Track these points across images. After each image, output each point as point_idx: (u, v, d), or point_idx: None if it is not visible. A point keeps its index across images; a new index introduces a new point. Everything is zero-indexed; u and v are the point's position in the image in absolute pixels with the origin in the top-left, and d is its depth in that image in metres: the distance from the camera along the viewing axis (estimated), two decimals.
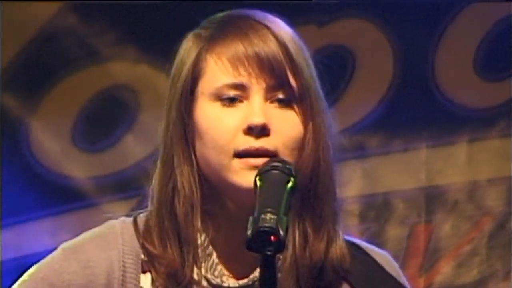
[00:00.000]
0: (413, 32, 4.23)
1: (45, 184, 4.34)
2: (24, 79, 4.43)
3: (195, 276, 1.75)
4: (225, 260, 1.76)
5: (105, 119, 4.30)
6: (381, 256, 1.80)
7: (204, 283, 1.74)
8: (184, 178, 1.78)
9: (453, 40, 4.26)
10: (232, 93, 1.68)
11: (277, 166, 1.56)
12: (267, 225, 1.42)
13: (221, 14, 1.78)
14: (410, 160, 4.24)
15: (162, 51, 2.27)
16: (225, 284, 1.74)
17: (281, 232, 1.44)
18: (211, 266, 1.78)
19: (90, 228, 1.78)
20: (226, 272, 1.73)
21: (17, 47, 4.33)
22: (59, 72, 4.30)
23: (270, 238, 1.43)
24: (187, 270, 1.76)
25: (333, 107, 1.75)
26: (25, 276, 1.76)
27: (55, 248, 1.76)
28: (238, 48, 1.74)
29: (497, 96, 4.14)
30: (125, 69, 4.28)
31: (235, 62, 1.74)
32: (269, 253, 1.44)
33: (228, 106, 1.69)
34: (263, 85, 1.67)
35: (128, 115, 4.07)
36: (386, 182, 4.25)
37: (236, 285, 1.72)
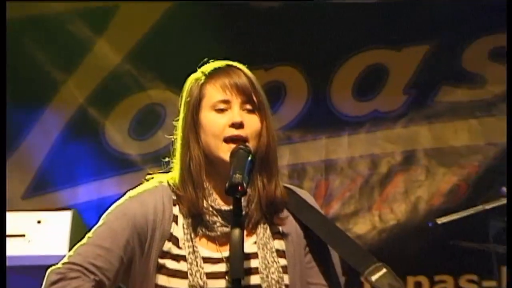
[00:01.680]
0: (319, 73, 6.08)
1: (114, 158, 6.12)
2: (102, 98, 6.25)
3: (205, 205, 2.72)
4: (220, 197, 2.71)
5: (146, 122, 6.15)
6: (304, 193, 2.82)
7: (210, 208, 2.72)
8: (195, 153, 2.72)
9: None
10: (222, 105, 2.66)
11: (242, 148, 2.55)
12: (235, 181, 2.35)
13: (213, 62, 2.84)
14: (317, 145, 6.01)
15: (178, 84, 2.96)
16: (222, 208, 2.73)
17: (244, 185, 2.38)
18: (213, 200, 2.73)
19: (140, 184, 2.77)
20: (221, 203, 2.68)
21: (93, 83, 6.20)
22: (121, 96, 6.27)
23: (238, 188, 2.37)
24: (199, 202, 2.72)
25: (274, 114, 2.97)
26: (108, 210, 2.76)
27: (123, 194, 2.75)
28: (225, 80, 2.71)
29: (365, 108, 6.08)
30: (158, 94, 6.22)
31: (224, 88, 2.72)
32: (237, 196, 2.41)
33: (220, 113, 2.67)
34: (239, 101, 2.67)
35: (160, 119, 5.92)
36: (303, 157, 6.02)
37: (227, 208, 2.68)
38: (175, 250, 2.92)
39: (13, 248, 5.34)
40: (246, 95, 2.93)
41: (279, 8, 6.30)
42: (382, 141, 6.23)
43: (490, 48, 6.23)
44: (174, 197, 2.91)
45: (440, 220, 5.20)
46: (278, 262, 2.97)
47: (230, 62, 3.04)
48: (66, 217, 5.45)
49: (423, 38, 6.38)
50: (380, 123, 6.11)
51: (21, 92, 6.32)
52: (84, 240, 3.00)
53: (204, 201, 2.87)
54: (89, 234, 2.95)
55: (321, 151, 6.17)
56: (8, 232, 5.09)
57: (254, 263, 2.95)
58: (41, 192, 6.25)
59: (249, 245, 2.93)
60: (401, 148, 6.19)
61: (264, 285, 2.96)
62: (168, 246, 2.91)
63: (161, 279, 2.92)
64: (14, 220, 5.48)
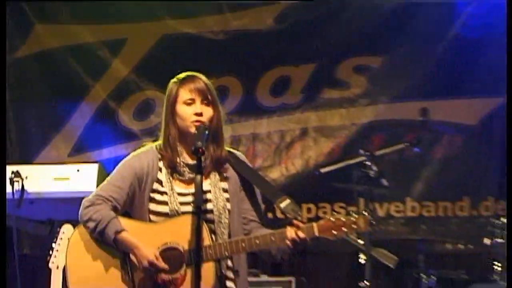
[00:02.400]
0: (249, 81, 7.39)
1: (124, 132, 7.47)
2: (117, 95, 7.54)
3: (178, 160, 3.65)
4: (188, 156, 3.62)
5: (144, 110, 7.44)
6: (239, 154, 3.74)
7: (181, 163, 3.62)
8: (172, 129, 3.66)
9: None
10: (189, 101, 3.56)
11: (202, 126, 3.45)
12: (197, 146, 3.30)
13: (184, 73, 3.77)
14: (248, 124, 7.47)
15: (164, 86, 3.86)
16: (189, 162, 3.60)
17: (204, 149, 3.31)
18: (183, 158, 3.62)
19: (139, 148, 3.88)
20: (188, 159, 3.57)
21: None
22: (129, 94, 7.54)
23: (199, 150, 3.31)
24: (175, 159, 3.62)
25: (222, 105, 3.77)
26: (119, 163, 3.83)
27: (128, 154, 3.85)
28: (191, 85, 3.60)
29: (277, 102, 7.42)
30: (151, 93, 7.47)
31: (190, 90, 3.62)
32: (199, 155, 3.31)
33: (188, 105, 3.56)
34: (200, 98, 3.56)
35: (152, 108, 7.19)
36: (239, 131, 7.47)
37: (192, 162, 3.58)
38: (160, 188, 3.90)
39: (62, 187, 6.25)
40: (204, 95, 3.90)
41: (224, 40, 7.60)
42: (287, 122, 7.58)
43: (354, 65, 7.38)
44: (159, 156, 3.85)
45: (323, 170, 6.32)
46: (223, 195, 3.88)
47: (195, 73, 3.97)
48: (94, 167, 6.22)
49: (312, 58, 7.57)
50: (286, 111, 7.50)
51: (67, 92, 7.70)
52: (104, 182, 4.07)
53: (178, 158, 3.82)
54: (108, 178, 4.03)
55: (250, 128, 7.59)
56: (58, 176, 6.29)
57: (208, 196, 3.87)
58: (80, 153, 7.57)
59: (206, 185, 3.81)
60: (299, 126, 7.56)
61: (214, 209, 3.83)
62: (156, 186, 3.87)
63: (152, 206, 3.84)
64: (63, 169, 6.35)
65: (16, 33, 7.61)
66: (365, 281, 6.04)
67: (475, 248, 6.90)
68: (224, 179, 4.05)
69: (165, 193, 3.99)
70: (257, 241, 3.99)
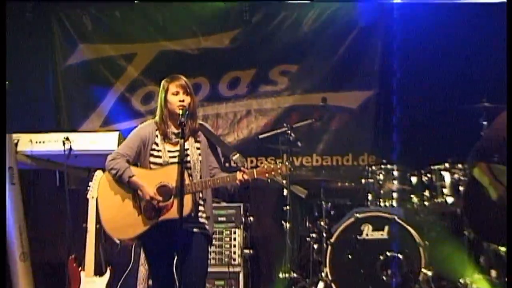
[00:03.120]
0: (214, 80, 8.01)
1: (135, 112, 8.18)
2: (130, 90, 8.26)
3: (168, 130, 4.52)
4: (174, 127, 4.46)
5: (147, 98, 8.15)
6: (207, 125, 4.68)
7: (170, 132, 4.46)
8: (164, 110, 4.53)
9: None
10: (175, 92, 4.50)
11: (184, 109, 4.42)
12: (181, 120, 4.38)
13: (172, 75, 4.65)
14: (213, 108, 8.06)
15: (159, 82, 4.52)
16: (175, 131, 4.43)
17: (185, 123, 4.36)
18: (172, 129, 4.46)
19: (143, 122, 4.79)
20: (174, 129, 4.41)
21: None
22: (138, 89, 8.18)
23: (183, 123, 4.38)
24: (166, 129, 4.50)
25: (196, 95, 5.02)
26: (131, 132, 4.73)
27: (136, 126, 4.80)
28: (177, 82, 4.55)
29: (231, 93, 7.99)
30: (152, 87, 8.07)
31: (176, 86, 4.54)
32: (182, 127, 4.37)
33: (175, 95, 4.49)
34: (182, 91, 4.50)
35: (153, 97, 7.85)
36: (207, 112, 8.12)
37: (177, 131, 4.38)
38: (156, 148, 4.50)
39: (95, 147, 7.04)
40: (184, 88, 4.43)
41: (198, 54, 8.39)
42: (238, 106, 8.47)
43: (280, 70, 8.24)
44: (156, 128, 4.49)
45: (261, 136, 7.36)
46: (197, 152, 4.56)
47: (179, 75, 4.66)
48: (116, 135, 7.13)
49: (254, 65, 8.41)
50: (237, 99, 8.38)
51: (99, 86, 8.52)
52: (122, 144, 4.66)
53: (168, 129, 4.49)
54: (124, 141, 4.67)
55: (214, 110, 8.46)
56: (93, 140, 7.03)
57: (187, 152, 4.46)
58: (107, 125, 8.44)
59: (186, 145, 4.40)
60: (245, 108, 8.46)
61: (191, 161, 4.49)
62: (154, 146, 4.52)
63: (151, 159, 4.53)
64: (96, 135, 7.24)
65: (66, 49, 8.47)
66: (287, 206, 6.95)
67: (356, 185, 7.51)
68: (197, 141, 4.75)
69: (160, 151, 4.71)
70: (218, 181, 4.71)
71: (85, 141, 7.19)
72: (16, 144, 7.23)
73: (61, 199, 7.28)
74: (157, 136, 4.63)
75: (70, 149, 7.04)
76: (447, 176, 7.05)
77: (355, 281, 6.70)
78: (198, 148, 4.65)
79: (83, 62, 8.49)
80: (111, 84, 8.41)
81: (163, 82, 4.78)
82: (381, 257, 6.63)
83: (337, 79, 8.07)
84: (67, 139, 7.01)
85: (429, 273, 6.67)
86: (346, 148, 8.09)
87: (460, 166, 6.90)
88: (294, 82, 8.12)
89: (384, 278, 6.62)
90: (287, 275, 7.12)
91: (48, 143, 7.34)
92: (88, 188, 6.45)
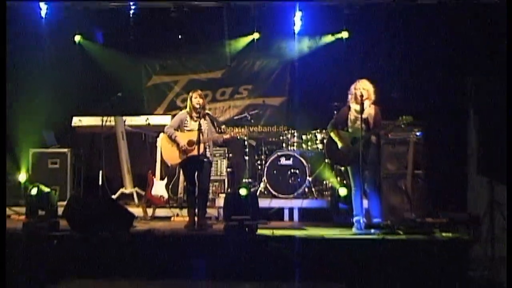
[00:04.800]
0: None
1: (177, 107, 9.55)
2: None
3: (193, 115, 6.67)
4: (196, 114, 6.67)
5: (183, 101, 9.48)
6: (211, 113, 7.37)
7: (194, 116, 6.67)
8: (190, 105, 6.67)
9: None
10: (195, 97, 6.71)
11: (199, 104, 6.70)
12: (198, 110, 6.60)
13: (193, 89, 7.02)
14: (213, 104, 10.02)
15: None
16: (195, 116, 6.71)
17: (200, 111, 6.69)
18: (194, 114, 6.74)
19: (181, 111, 7.28)
20: (195, 115, 6.57)
21: None
22: (166, 91, 10.15)
23: (199, 111, 6.67)
24: (191, 114, 6.58)
25: None
26: (175, 117, 7.20)
27: (175, 115, 7.30)
28: (196, 93, 6.75)
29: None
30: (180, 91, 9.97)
31: (196, 94, 6.79)
32: (199, 113, 6.56)
33: (195, 98, 6.77)
34: (199, 97, 6.69)
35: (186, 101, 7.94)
36: (211, 106, 9.85)
37: (197, 115, 6.68)
38: (187, 123, 6.58)
39: (159, 122, 8.52)
40: (200, 95, 5.90)
41: (206, 80, 9.59)
42: (224, 104, 9.53)
43: (244, 87, 9.48)
44: (187, 114, 6.55)
45: (236, 117, 8.81)
46: (206, 125, 6.68)
47: (198, 89, 6.26)
48: (169, 117, 8.17)
49: (230, 85, 9.48)
50: (224, 101, 9.60)
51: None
52: (171, 121, 6.58)
53: (192, 114, 6.47)
54: (172, 120, 6.72)
55: (214, 106, 9.53)
56: (157, 123, 8.55)
57: (201, 125, 6.38)
58: (166, 113, 9.30)
59: (201, 123, 6.33)
60: (228, 105, 9.62)
61: (202, 129, 6.39)
62: (185, 123, 6.67)
63: (185, 128, 6.67)
64: (161, 117, 8.64)
65: (144, 77, 10.14)
66: (246, 149, 8.75)
67: (277, 140, 9.10)
68: (205, 120, 6.42)
69: (187, 125, 6.51)
70: (215, 138, 6.35)
71: (156, 119, 9.14)
72: (124, 121, 9.01)
73: (145, 147, 9.15)
74: (186, 118, 6.61)
75: (149, 124, 9.05)
76: (319, 135, 8.83)
77: (278, 183, 8.29)
78: (206, 124, 6.59)
79: (154, 84, 10.26)
80: (169, 91, 10.23)
81: (190, 92, 6.87)
82: (289, 172, 8.39)
83: (269, 91, 9.88)
84: (147, 119, 9.08)
85: (310, 179, 8.46)
86: (273, 122, 9.88)
87: (324, 131, 8.43)
88: (250, 93, 10.09)
89: (291, 182, 8.40)
90: (247, 180, 8.77)
91: (139, 120, 9.21)
92: (157, 141, 8.08)
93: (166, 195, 7.64)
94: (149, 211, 7.86)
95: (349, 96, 6.53)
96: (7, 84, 6.22)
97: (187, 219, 6.71)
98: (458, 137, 7.28)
